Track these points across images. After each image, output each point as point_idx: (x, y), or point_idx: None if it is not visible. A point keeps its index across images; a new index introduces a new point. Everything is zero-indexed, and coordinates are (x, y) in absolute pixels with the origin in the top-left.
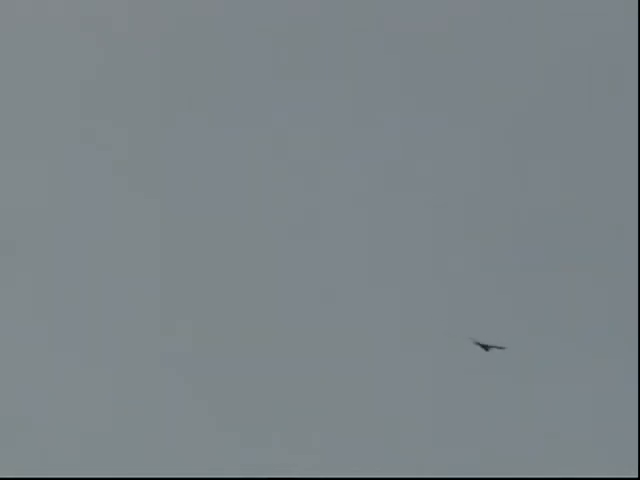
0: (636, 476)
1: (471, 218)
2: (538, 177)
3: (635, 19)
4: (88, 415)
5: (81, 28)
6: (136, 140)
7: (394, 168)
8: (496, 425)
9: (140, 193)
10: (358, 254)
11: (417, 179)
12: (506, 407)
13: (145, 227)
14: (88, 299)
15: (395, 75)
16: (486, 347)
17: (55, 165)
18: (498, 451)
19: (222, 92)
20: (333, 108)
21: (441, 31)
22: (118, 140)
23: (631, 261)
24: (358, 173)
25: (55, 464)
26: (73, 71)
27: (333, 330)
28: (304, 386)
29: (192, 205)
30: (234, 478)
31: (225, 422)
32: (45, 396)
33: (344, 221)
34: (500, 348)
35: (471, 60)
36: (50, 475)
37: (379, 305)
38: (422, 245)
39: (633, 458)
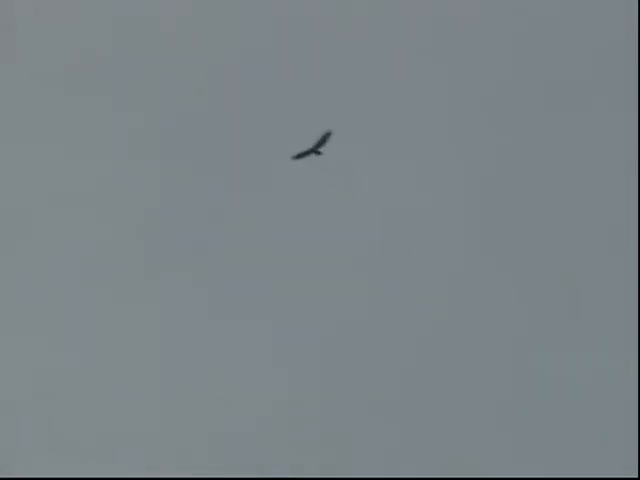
0: (636, 476)
1: (470, 221)
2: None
3: (635, 19)
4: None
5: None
6: None
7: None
8: (497, 425)
9: None
10: None
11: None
12: (506, 406)
13: None
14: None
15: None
16: (314, 152)
17: None
18: (497, 451)
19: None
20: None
21: (441, 30)
22: None
23: (631, 261)
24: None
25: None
26: None
27: None
28: None
29: None
30: (238, 478)
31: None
32: None
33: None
34: (325, 139)
35: (469, 60)
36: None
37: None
38: None
39: (633, 458)
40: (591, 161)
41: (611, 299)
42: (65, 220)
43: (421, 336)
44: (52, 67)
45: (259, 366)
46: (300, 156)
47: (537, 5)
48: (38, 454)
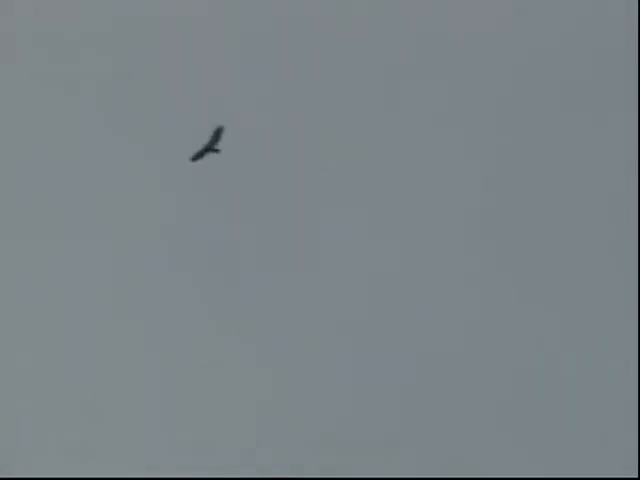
0: (636, 476)
1: (470, 221)
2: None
3: (635, 19)
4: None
5: None
6: None
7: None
8: (497, 425)
9: None
10: None
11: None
12: (506, 406)
13: None
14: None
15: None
16: (210, 150)
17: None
18: (497, 451)
19: None
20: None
21: (440, 29)
22: None
23: (631, 261)
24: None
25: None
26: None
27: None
28: None
29: None
30: (238, 478)
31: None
32: None
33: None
34: (217, 134)
35: (468, 59)
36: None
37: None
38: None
39: (633, 458)
40: (591, 161)
41: (611, 299)
42: (65, 220)
43: (421, 336)
44: (52, 67)
45: (260, 366)
46: (197, 157)
47: (538, 5)
48: (38, 454)
